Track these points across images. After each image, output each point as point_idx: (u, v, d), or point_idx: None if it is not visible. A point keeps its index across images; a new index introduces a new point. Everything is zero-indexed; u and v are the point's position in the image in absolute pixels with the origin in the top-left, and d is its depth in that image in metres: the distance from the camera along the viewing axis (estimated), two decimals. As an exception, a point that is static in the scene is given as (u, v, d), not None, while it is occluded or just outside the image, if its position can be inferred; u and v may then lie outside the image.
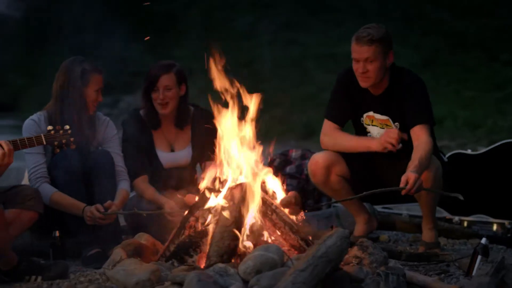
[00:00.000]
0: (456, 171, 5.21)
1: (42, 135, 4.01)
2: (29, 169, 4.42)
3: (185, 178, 4.85)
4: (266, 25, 17.91)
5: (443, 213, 5.48)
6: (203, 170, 4.82)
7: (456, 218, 5.38)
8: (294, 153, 5.68)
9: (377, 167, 4.51)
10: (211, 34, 21.53)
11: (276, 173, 5.27)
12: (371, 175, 4.54)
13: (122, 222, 4.94)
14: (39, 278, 3.94)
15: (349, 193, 4.59)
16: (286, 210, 3.74)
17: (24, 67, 38.21)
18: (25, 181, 4.62)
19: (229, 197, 3.57)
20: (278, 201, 3.81)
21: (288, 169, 5.58)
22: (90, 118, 4.54)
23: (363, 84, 4.42)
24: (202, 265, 3.45)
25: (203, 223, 3.63)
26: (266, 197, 3.68)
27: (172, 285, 3.24)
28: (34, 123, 4.47)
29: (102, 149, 4.55)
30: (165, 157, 4.81)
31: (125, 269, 3.38)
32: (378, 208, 5.42)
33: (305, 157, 5.64)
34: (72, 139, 4.05)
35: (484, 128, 12.16)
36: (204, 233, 3.56)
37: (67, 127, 4.05)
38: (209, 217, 3.60)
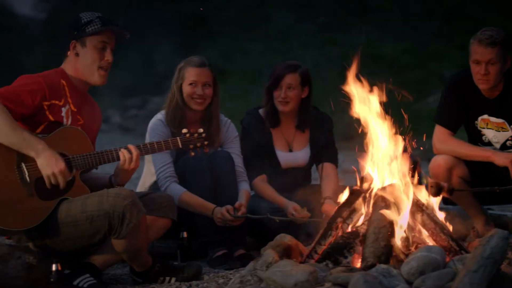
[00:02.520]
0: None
1: (178, 138, 3.99)
2: (156, 168, 4.40)
3: (301, 179, 4.84)
4: (305, 26, 17.88)
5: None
6: (320, 172, 4.80)
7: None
8: (395, 154, 5.62)
9: (497, 169, 4.48)
10: (245, 34, 21.57)
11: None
12: (491, 176, 4.52)
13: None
14: (173, 280, 3.93)
15: (470, 194, 4.58)
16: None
17: (49, 68, 38.39)
18: (144, 179, 4.59)
19: (380, 198, 3.53)
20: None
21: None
22: (199, 116, 4.51)
23: (482, 86, 4.43)
24: (357, 266, 3.42)
25: (352, 224, 3.60)
26: (416, 197, 3.64)
27: (333, 286, 3.21)
28: (161, 122, 4.48)
29: (222, 150, 4.53)
30: (284, 157, 4.79)
31: (282, 270, 3.34)
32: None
33: (406, 158, 5.59)
34: (206, 142, 4.02)
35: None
36: (356, 234, 3.53)
37: (201, 130, 4.03)
38: (361, 218, 3.58)
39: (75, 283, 3.74)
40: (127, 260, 3.89)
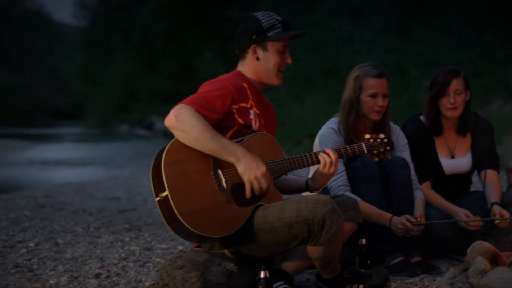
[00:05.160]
0: None
1: (363, 143, 3.95)
2: None
3: (462, 186, 4.82)
4: (365, 32, 17.84)
5: None
6: (482, 178, 4.77)
7: None
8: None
9: None
10: (293, 40, 21.48)
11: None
12: None
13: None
14: (361, 287, 3.91)
15: None
16: None
17: (88, 75, 38.72)
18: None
19: None
20: None
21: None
22: (371, 124, 4.50)
23: None
24: None
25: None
26: None
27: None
28: (333, 131, 4.44)
29: (399, 156, 4.50)
30: (446, 163, 4.76)
31: (501, 277, 3.34)
32: None
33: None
34: (388, 148, 3.99)
35: None
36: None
37: (382, 135, 4.00)
38: None
39: (270, 289, 3.73)
40: (319, 267, 3.87)
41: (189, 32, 27.82)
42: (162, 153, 3.58)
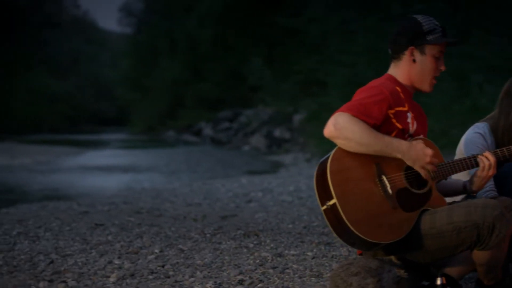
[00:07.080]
0: None
1: None
2: None
3: None
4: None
5: None
6: None
7: None
8: None
9: None
10: (346, 46, 21.57)
11: None
12: None
13: None
14: (524, 293, 3.91)
15: None
16: None
17: (133, 82, 39.01)
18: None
19: None
20: None
21: None
22: None
23: None
24: None
25: None
26: None
27: None
28: (480, 136, 4.44)
29: None
30: None
31: None
32: None
33: None
34: None
35: None
36: None
37: None
38: None
39: (439, 296, 3.74)
40: (483, 273, 3.87)
41: (237, 38, 27.99)
42: (327, 162, 3.64)
